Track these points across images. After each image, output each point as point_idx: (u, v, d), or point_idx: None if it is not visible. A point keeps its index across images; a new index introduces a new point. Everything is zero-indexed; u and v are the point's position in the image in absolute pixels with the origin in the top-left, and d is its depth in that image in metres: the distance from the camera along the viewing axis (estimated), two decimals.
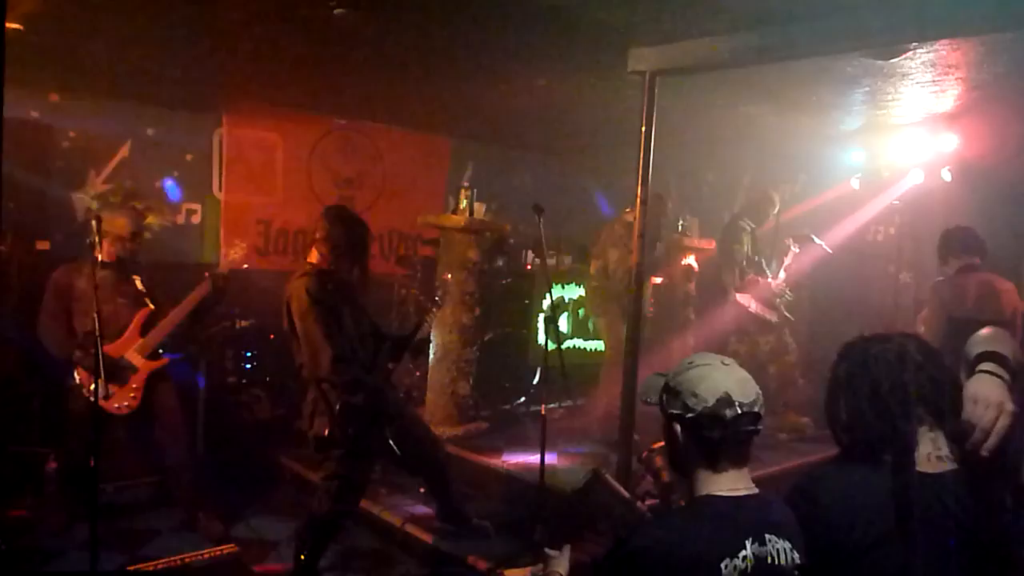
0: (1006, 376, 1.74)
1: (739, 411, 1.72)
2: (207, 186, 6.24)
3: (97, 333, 3.13)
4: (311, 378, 3.61)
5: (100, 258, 3.67)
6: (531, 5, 3.46)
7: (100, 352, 3.14)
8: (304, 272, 3.72)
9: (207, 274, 4.33)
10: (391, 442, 3.75)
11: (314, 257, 3.76)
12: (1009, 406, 1.68)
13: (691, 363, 1.84)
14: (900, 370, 1.76)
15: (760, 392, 1.79)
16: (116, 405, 4.09)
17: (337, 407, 3.51)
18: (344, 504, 3.74)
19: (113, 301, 4.15)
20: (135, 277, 4.27)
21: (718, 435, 1.74)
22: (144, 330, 4.24)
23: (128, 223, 4.26)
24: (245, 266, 4.53)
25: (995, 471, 1.70)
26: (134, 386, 4.16)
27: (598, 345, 6.16)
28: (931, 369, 1.78)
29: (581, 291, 6.36)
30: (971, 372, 1.78)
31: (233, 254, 4.44)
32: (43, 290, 4.23)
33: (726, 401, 1.73)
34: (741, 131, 6.16)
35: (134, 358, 4.19)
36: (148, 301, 4.29)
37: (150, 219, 4.41)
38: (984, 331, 1.91)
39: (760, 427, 1.77)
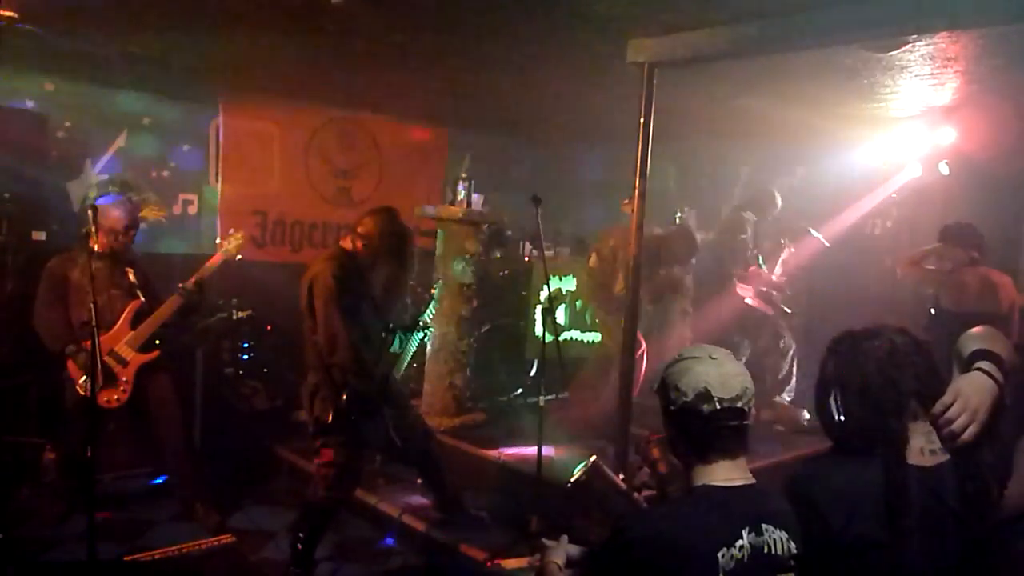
0: (999, 378, 1.72)
1: (717, 406, 1.73)
2: (204, 176, 6.22)
3: (94, 324, 3.10)
4: (319, 362, 3.64)
5: (95, 248, 3.66)
6: None
7: (97, 343, 3.11)
8: (331, 255, 3.77)
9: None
10: (392, 432, 3.78)
11: (347, 244, 3.82)
12: (983, 415, 1.66)
13: (680, 356, 1.85)
14: (890, 366, 1.76)
15: (748, 387, 1.79)
16: (106, 399, 4.06)
17: (344, 393, 3.55)
18: (339, 492, 3.77)
19: (106, 292, 4.13)
20: (128, 269, 4.23)
21: (697, 429, 1.76)
22: (135, 323, 4.21)
23: (122, 216, 4.21)
24: (239, 257, 4.49)
25: (977, 464, 1.69)
26: (124, 379, 4.14)
27: (595, 336, 6.16)
28: (921, 362, 1.78)
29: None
30: (965, 368, 1.77)
31: (227, 244, 4.41)
32: (39, 280, 4.21)
33: (704, 396, 1.74)
34: (739, 123, 6.14)
35: (124, 351, 4.16)
36: (140, 293, 4.24)
37: (144, 212, 4.36)
38: (977, 329, 1.89)
39: (744, 421, 1.78)
